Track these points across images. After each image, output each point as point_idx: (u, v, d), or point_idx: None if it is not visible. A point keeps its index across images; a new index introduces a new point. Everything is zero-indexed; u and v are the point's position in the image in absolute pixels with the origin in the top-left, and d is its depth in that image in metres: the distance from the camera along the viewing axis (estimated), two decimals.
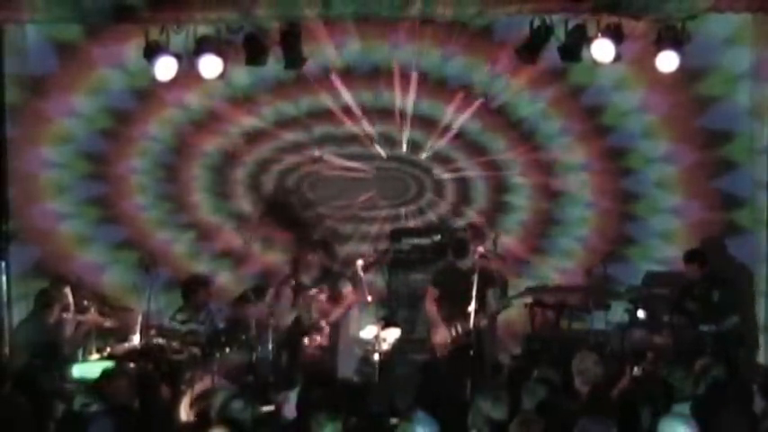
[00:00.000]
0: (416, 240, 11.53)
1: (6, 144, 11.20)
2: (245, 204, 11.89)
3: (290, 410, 8.14)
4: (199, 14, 10.08)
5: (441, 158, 11.85)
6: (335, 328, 10.91)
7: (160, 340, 10.28)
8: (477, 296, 9.99)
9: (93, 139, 11.62)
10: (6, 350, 10.66)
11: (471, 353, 10.11)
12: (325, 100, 11.63)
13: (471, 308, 10.00)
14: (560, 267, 11.73)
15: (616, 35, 10.20)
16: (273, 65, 10.82)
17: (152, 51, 10.25)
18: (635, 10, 9.99)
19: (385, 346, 10.50)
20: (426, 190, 11.93)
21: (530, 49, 10.54)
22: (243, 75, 11.32)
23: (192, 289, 10.71)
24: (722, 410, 6.58)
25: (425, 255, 11.45)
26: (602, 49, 10.23)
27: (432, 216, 11.94)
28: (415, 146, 11.82)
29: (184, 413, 9.51)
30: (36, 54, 11.24)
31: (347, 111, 11.67)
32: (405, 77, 11.54)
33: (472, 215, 11.82)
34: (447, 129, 11.72)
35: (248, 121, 11.72)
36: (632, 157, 11.56)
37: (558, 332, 10.86)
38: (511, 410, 6.88)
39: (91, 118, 11.56)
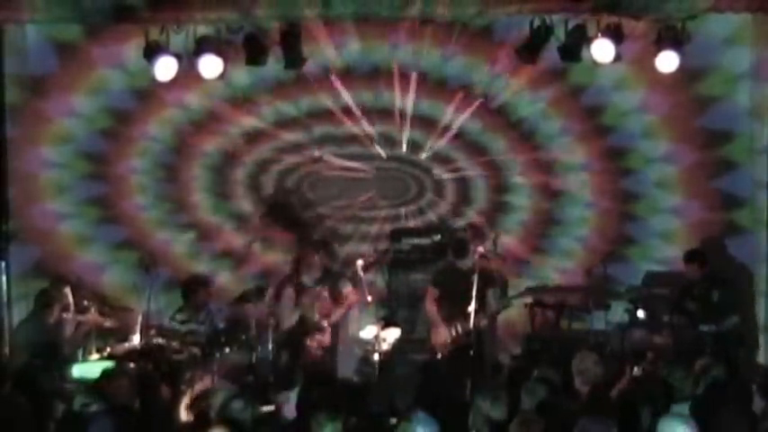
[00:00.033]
0: (416, 240, 11.53)
1: (6, 144, 11.20)
2: (245, 204, 11.88)
3: (290, 410, 8.13)
4: (199, 14, 10.08)
5: (441, 158, 11.85)
6: (335, 328, 10.92)
7: (160, 340, 10.29)
8: (477, 296, 9.99)
9: (93, 139, 11.61)
10: (6, 350, 10.66)
11: (471, 353, 10.11)
12: (326, 100, 11.64)
13: (471, 308, 10.00)
14: (560, 267, 11.73)
15: (616, 35, 10.20)
16: (273, 65, 10.82)
17: (152, 51, 10.25)
18: (635, 10, 9.99)
19: (385, 346, 10.52)
20: (426, 190, 11.93)
21: (530, 49, 10.53)
22: (243, 75, 11.32)
23: (192, 289, 10.70)
24: (721, 410, 6.57)
25: (425, 255, 11.44)
26: (602, 49, 10.23)
27: (432, 216, 11.93)
28: (415, 146, 11.82)
29: (184, 413, 9.52)
30: (36, 54, 11.24)
31: (347, 111, 11.67)
32: (405, 77, 11.53)
33: (472, 215, 11.81)
34: (447, 129, 11.72)
35: (248, 122, 11.71)
36: (632, 157, 11.56)
37: (558, 332, 10.86)
38: (510, 410, 6.88)
39: (91, 118, 11.55)
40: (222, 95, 11.55)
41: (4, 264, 11.03)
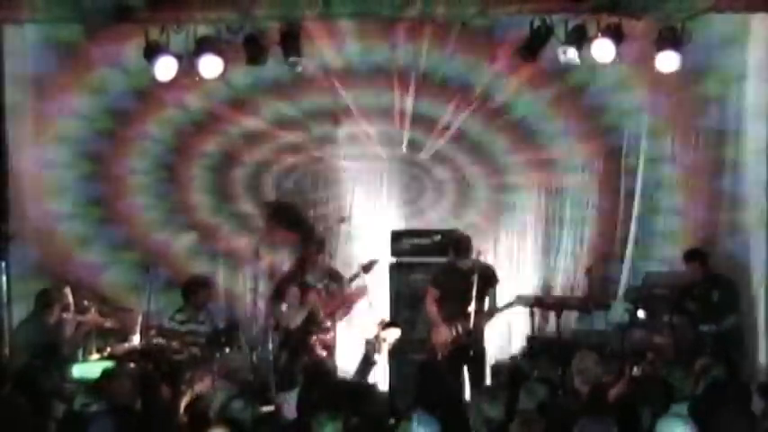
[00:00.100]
0: (416, 240, 11.52)
1: (6, 144, 11.19)
2: (244, 205, 11.88)
3: (290, 410, 8.13)
4: (199, 14, 10.09)
5: (441, 158, 11.85)
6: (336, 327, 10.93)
7: (160, 340, 10.27)
8: (477, 296, 9.98)
9: (93, 139, 11.61)
10: (6, 350, 10.64)
11: (471, 353, 10.11)
12: (326, 100, 11.63)
13: (471, 308, 10.00)
14: (560, 267, 11.72)
15: (616, 35, 10.20)
16: (273, 65, 10.82)
17: (152, 51, 10.25)
18: (635, 10, 10.00)
19: (385, 346, 10.51)
20: (426, 190, 11.93)
21: (530, 49, 10.54)
22: (243, 75, 11.32)
23: (192, 289, 10.69)
24: (721, 410, 6.57)
25: (425, 255, 11.43)
26: (602, 49, 10.23)
27: (432, 216, 11.93)
28: (415, 146, 11.82)
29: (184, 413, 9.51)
30: (36, 54, 11.23)
31: (347, 111, 11.67)
32: (405, 77, 11.54)
33: (472, 215, 11.81)
34: (447, 129, 11.72)
35: (248, 122, 11.71)
36: (633, 157, 11.55)
37: (557, 332, 10.85)
38: (509, 410, 6.88)
39: (91, 118, 11.54)
40: (222, 96, 11.56)
41: (4, 264, 11.01)
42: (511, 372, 9.52)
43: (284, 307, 10.82)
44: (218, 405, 7.35)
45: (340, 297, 10.91)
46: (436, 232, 11.53)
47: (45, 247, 11.46)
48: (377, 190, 11.90)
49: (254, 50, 10.54)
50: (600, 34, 10.19)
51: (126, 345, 10.30)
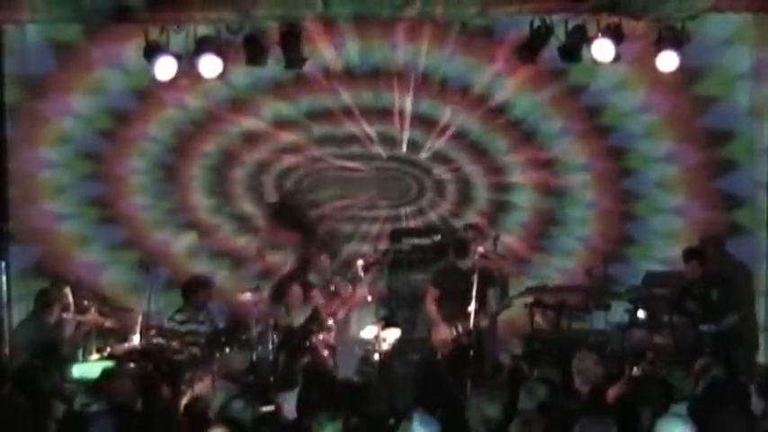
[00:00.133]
0: (417, 240, 11.52)
1: (6, 144, 11.20)
2: (245, 205, 11.88)
3: (290, 410, 8.13)
4: (199, 14, 10.08)
5: (441, 158, 11.85)
6: (337, 327, 10.92)
7: (160, 340, 10.28)
8: (477, 296, 9.98)
9: (92, 139, 11.62)
10: (6, 350, 10.65)
11: (471, 353, 10.11)
12: (326, 100, 11.64)
13: (471, 308, 10.00)
14: (561, 267, 11.73)
15: (616, 35, 10.21)
16: (273, 65, 10.82)
17: (152, 51, 10.25)
18: (635, 10, 10.00)
19: (385, 346, 10.52)
20: (426, 190, 11.93)
21: (530, 49, 10.54)
22: (243, 75, 11.32)
23: (192, 289, 10.69)
24: (720, 410, 6.57)
25: (426, 255, 11.44)
26: (602, 49, 10.24)
27: (432, 216, 11.94)
28: (415, 146, 11.82)
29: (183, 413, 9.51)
30: (36, 54, 11.24)
31: (347, 111, 11.67)
32: (405, 77, 11.54)
33: (472, 215, 11.81)
34: (447, 129, 11.72)
35: (248, 122, 11.71)
36: (633, 157, 11.57)
37: (557, 332, 10.85)
38: (509, 410, 6.88)
39: (90, 118, 11.56)
40: (222, 96, 11.56)
41: (4, 264, 11.03)
42: (511, 372, 9.53)
43: (285, 306, 10.82)
44: (218, 405, 7.34)
45: (341, 297, 10.92)
46: (436, 232, 11.54)
47: (45, 247, 11.47)
48: (376, 190, 11.88)
49: (253, 50, 10.55)
50: (600, 34, 10.20)
51: (126, 345, 10.29)
